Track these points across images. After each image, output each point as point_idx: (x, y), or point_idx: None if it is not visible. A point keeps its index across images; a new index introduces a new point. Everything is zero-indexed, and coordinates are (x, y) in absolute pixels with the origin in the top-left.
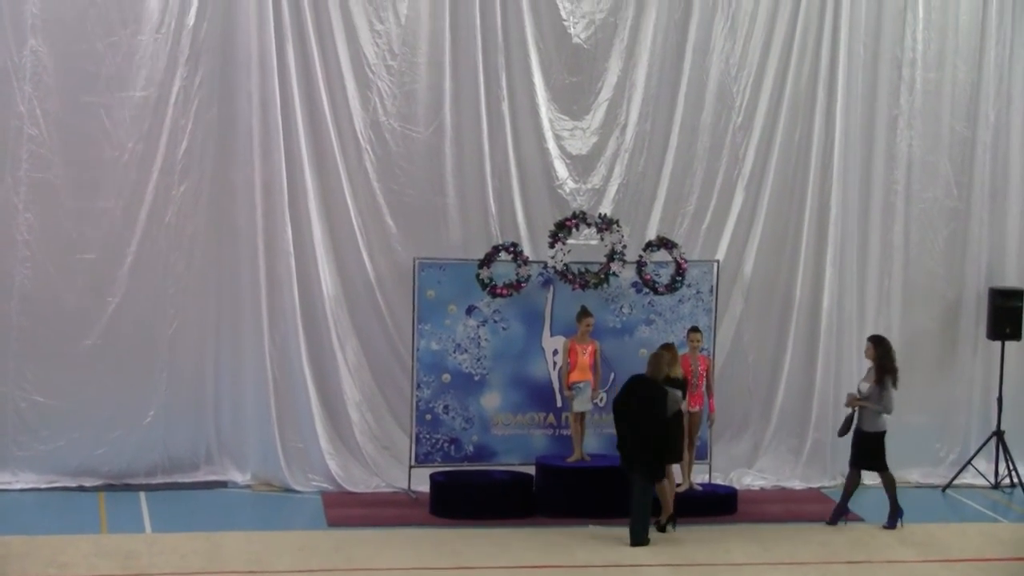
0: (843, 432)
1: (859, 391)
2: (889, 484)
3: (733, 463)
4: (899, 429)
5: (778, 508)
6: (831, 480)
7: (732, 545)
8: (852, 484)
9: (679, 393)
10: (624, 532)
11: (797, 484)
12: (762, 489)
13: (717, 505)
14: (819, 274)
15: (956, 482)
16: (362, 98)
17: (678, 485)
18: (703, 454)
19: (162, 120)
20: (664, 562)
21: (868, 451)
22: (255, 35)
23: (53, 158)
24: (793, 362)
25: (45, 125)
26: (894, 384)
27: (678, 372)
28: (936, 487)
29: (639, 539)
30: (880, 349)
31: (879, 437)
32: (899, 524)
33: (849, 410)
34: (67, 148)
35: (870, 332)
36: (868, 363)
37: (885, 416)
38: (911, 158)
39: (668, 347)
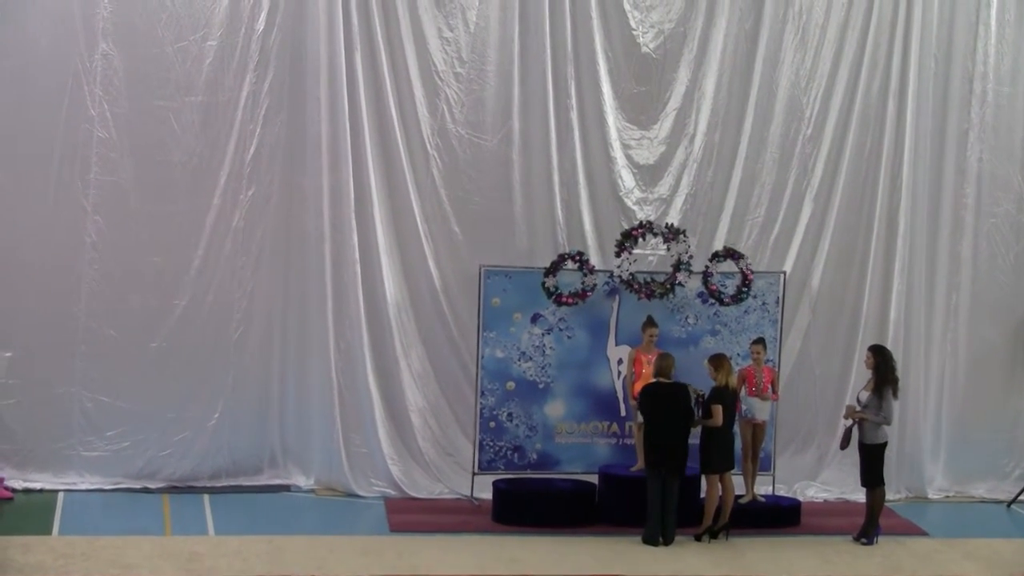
0: (844, 445)
1: (858, 401)
2: (879, 501)
3: (797, 475)
4: (965, 444)
5: (842, 521)
6: (896, 494)
7: (794, 557)
8: (876, 501)
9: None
10: (687, 541)
11: (861, 497)
12: (826, 502)
13: (780, 517)
14: (887, 287)
15: (1022, 497)
16: (430, 105)
17: (740, 496)
18: (767, 466)
19: (230, 125)
20: (725, 573)
21: (869, 465)
22: (324, 41)
23: (122, 161)
24: (859, 375)
25: (115, 128)
26: (895, 394)
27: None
28: (1001, 502)
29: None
30: (880, 358)
31: (880, 449)
32: (876, 540)
33: (848, 423)
34: (136, 151)
35: (938, 347)
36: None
37: (885, 427)
38: (981, 172)
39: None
